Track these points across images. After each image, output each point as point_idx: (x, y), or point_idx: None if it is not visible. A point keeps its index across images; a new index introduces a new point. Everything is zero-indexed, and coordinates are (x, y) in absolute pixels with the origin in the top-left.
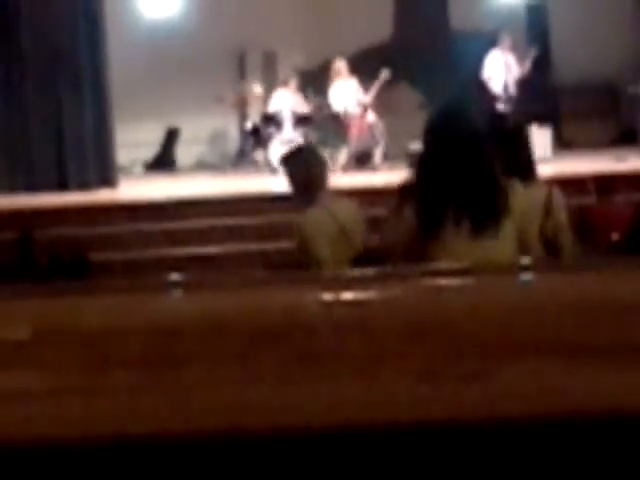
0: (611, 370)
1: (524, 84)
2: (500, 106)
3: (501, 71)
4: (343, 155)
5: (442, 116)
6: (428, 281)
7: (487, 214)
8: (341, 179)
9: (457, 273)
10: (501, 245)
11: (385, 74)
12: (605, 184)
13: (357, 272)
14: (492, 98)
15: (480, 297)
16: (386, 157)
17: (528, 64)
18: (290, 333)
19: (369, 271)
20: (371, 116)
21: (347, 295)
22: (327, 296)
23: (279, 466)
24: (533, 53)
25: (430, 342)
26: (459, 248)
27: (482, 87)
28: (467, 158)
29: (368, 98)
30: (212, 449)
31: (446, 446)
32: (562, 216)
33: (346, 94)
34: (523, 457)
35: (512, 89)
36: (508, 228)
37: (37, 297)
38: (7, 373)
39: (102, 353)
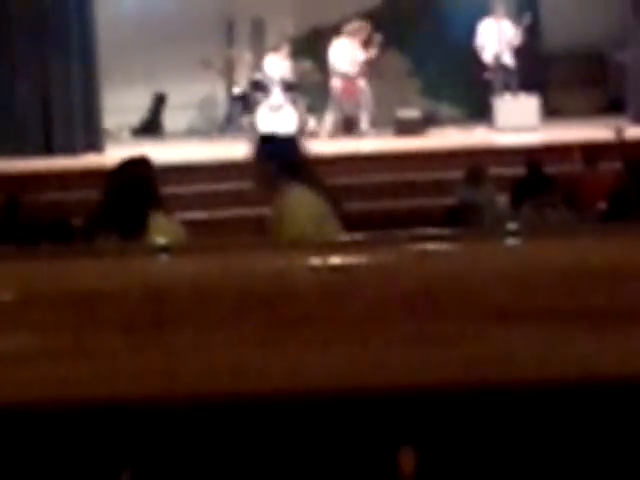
0: (594, 333)
1: (513, 52)
2: (488, 75)
3: (493, 40)
4: (330, 121)
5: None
6: (415, 246)
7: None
8: (328, 145)
9: (443, 239)
10: None
11: (378, 39)
12: (588, 153)
13: (345, 238)
14: (481, 67)
15: (465, 262)
16: (373, 123)
17: (521, 32)
18: (278, 298)
19: (357, 237)
20: (360, 81)
21: (334, 260)
22: (315, 261)
23: (266, 428)
24: (526, 21)
25: (416, 306)
26: None
27: (474, 55)
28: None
29: (365, 57)
30: (199, 411)
31: (433, 408)
32: None
33: (345, 54)
34: (508, 419)
35: (505, 58)
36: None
37: (24, 260)
38: None
39: (89, 316)
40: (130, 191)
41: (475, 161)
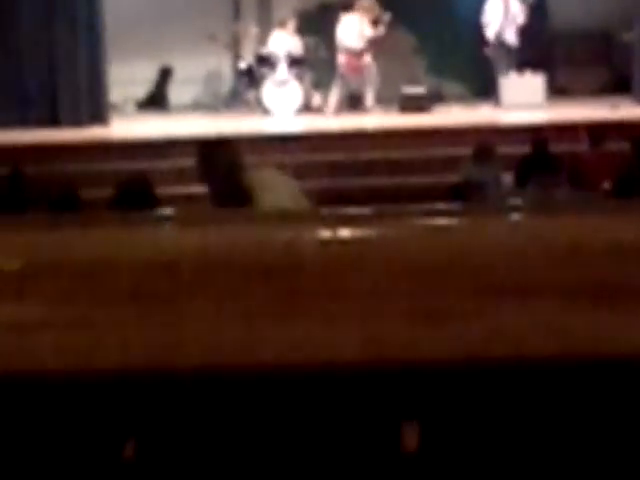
0: (606, 311)
1: (520, 30)
2: (488, 52)
3: (498, 17)
4: (335, 97)
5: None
6: (426, 220)
7: None
8: (333, 121)
9: (457, 213)
10: None
11: (387, 17)
12: (594, 132)
13: (355, 210)
14: (483, 44)
15: (478, 236)
16: (378, 100)
17: (525, 10)
18: (286, 270)
19: (367, 210)
20: (366, 58)
21: (344, 232)
22: (324, 233)
23: (273, 403)
24: (529, 0)
25: (427, 281)
26: None
27: (480, 33)
28: None
29: (372, 34)
30: (206, 383)
31: (443, 386)
32: None
33: (353, 30)
34: (520, 397)
35: (509, 36)
36: None
37: (29, 229)
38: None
39: (95, 286)
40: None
41: (483, 139)
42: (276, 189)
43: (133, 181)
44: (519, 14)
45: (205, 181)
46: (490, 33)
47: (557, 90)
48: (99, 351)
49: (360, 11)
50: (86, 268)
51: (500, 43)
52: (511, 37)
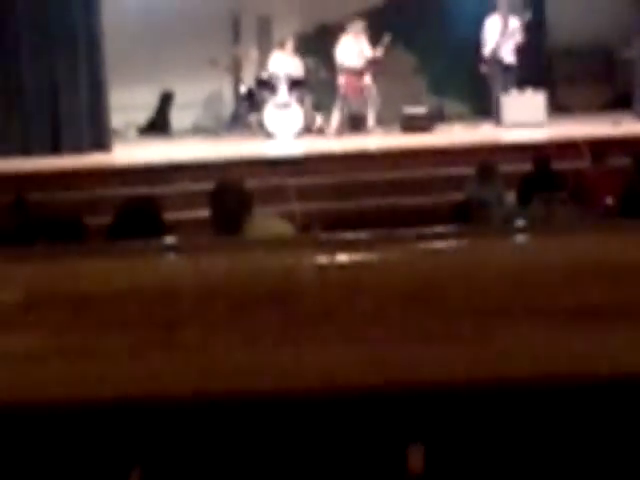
0: (605, 332)
1: (519, 47)
2: (483, 69)
3: (494, 36)
4: (337, 118)
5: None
6: (423, 244)
7: None
8: (335, 142)
9: (452, 236)
10: None
11: (387, 39)
12: (599, 148)
13: (352, 235)
14: (480, 61)
15: (475, 259)
16: (380, 121)
17: (522, 28)
18: (285, 296)
19: (364, 234)
20: (367, 78)
21: (342, 258)
22: (322, 259)
23: (275, 427)
24: (527, 17)
25: (425, 305)
26: None
27: (479, 52)
28: None
29: (373, 54)
30: (209, 410)
31: (441, 406)
32: None
33: (352, 50)
34: (517, 419)
35: (506, 54)
36: None
37: (31, 260)
38: (4, 336)
39: (98, 316)
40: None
41: (486, 158)
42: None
43: (139, 205)
44: (517, 31)
45: (212, 220)
46: (487, 51)
47: (558, 107)
48: (103, 380)
49: (353, 33)
50: (87, 298)
51: (497, 61)
52: (508, 55)
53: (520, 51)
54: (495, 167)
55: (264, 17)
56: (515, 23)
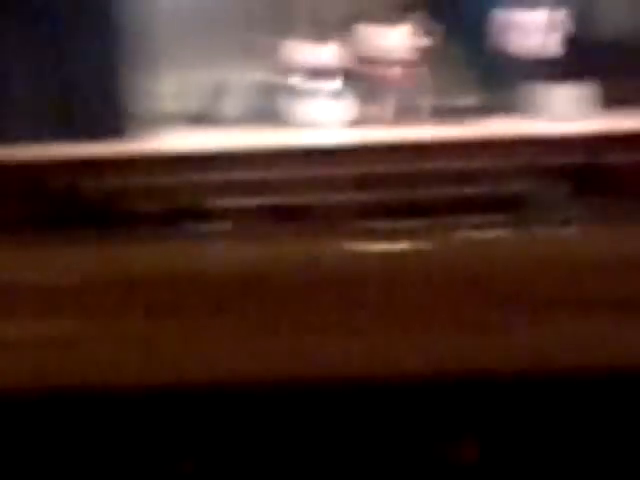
0: None
1: (569, 40)
2: (518, 64)
3: (528, 29)
4: (389, 108)
5: None
6: (462, 234)
7: None
8: (388, 132)
9: (503, 226)
10: None
11: (439, 29)
12: None
13: (389, 225)
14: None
15: (525, 250)
16: (432, 111)
17: (570, 19)
18: (321, 285)
19: (402, 224)
20: (419, 69)
21: (379, 247)
22: (360, 248)
23: (310, 415)
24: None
25: (464, 294)
26: None
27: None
28: None
29: (424, 44)
30: (244, 398)
31: (489, 397)
32: None
33: (404, 40)
34: (575, 409)
35: (544, 47)
36: None
37: (84, 245)
38: (59, 319)
39: (151, 301)
40: None
41: (537, 150)
42: None
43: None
44: (560, 23)
45: None
46: (520, 46)
47: (606, 100)
48: (157, 365)
49: (410, 24)
50: (139, 283)
51: (533, 55)
52: (549, 48)
53: (567, 43)
54: (544, 160)
55: (314, 6)
56: (559, 15)
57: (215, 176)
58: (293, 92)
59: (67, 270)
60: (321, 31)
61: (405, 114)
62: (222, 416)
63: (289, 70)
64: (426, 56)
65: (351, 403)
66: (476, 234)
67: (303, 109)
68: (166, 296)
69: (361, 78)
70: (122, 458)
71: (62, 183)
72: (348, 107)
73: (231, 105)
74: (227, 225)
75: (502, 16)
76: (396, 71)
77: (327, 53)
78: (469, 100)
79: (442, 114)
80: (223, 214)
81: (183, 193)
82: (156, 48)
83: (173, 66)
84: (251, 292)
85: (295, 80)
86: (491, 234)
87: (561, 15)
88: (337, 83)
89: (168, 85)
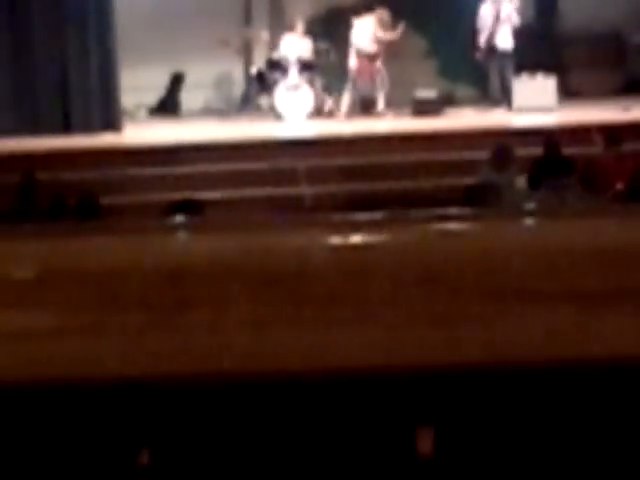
0: (614, 315)
1: (529, 32)
2: (479, 57)
3: (487, 23)
4: (347, 101)
5: None
6: (434, 225)
7: None
8: (345, 125)
9: (464, 218)
10: None
11: (402, 25)
12: (611, 134)
13: (365, 216)
14: (475, 49)
15: (486, 241)
16: (390, 104)
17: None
18: (298, 277)
19: (378, 215)
20: (377, 62)
21: (355, 239)
22: (335, 240)
23: (283, 408)
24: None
25: (437, 286)
26: None
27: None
28: None
29: (387, 38)
30: (218, 391)
31: (452, 388)
32: None
33: (367, 33)
34: (528, 400)
35: (502, 40)
36: None
37: (42, 237)
38: (14, 312)
39: (109, 294)
40: None
41: (499, 141)
42: None
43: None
44: (513, 15)
45: None
46: (481, 40)
47: (569, 92)
48: (113, 358)
49: (375, 19)
50: (98, 276)
51: (491, 48)
52: (505, 40)
53: (531, 35)
54: (511, 151)
55: None
56: (509, 7)
57: (175, 169)
58: (253, 84)
59: (24, 263)
60: (282, 23)
61: (365, 106)
62: (178, 407)
63: (250, 62)
64: (387, 49)
65: (310, 396)
66: (437, 226)
67: (263, 101)
68: (126, 289)
69: (322, 70)
70: (77, 449)
71: (17, 176)
72: (306, 100)
73: (190, 98)
74: (192, 217)
75: (466, 9)
76: (358, 63)
77: (286, 46)
78: (430, 93)
79: (403, 106)
80: (182, 207)
81: (146, 186)
82: (112, 41)
83: (131, 60)
84: (216, 284)
85: (255, 72)
86: (452, 226)
87: (509, 7)
88: (295, 76)
89: (128, 79)
